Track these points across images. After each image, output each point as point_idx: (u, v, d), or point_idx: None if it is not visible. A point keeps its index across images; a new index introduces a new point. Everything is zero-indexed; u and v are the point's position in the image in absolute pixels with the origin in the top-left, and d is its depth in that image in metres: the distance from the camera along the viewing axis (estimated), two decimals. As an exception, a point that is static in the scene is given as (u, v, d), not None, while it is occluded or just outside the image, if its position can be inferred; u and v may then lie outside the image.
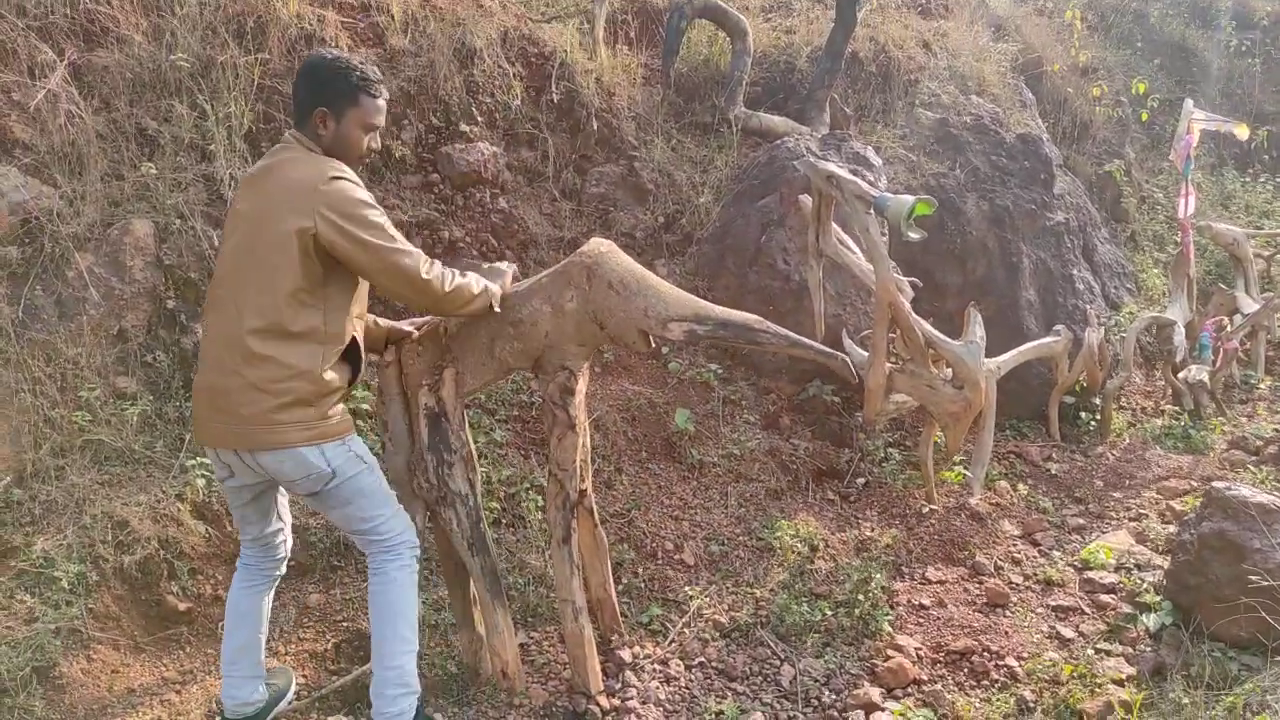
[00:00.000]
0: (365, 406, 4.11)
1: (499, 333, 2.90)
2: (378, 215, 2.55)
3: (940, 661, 3.52)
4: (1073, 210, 6.94)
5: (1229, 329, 6.43)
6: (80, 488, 3.43)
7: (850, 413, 5.14)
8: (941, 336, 4.26)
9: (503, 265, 3.02)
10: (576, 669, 3.13)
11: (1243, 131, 6.96)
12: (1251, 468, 5.03)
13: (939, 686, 3.36)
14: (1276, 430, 5.53)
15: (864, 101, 7.07)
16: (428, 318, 3.02)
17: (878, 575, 3.87)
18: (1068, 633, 3.70)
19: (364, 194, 2.56)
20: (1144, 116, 8.97)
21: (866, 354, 4.38)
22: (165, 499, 3.48)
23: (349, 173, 2.59)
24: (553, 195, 5.51)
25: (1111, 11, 10.70)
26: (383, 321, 3.03)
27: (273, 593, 3.00)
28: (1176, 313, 6.34)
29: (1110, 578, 4.05)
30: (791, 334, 2.81)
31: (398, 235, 2.59)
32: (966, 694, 3.34)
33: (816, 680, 3.38)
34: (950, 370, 4.28)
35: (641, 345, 2.82)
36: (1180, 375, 6.14)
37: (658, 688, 3.26)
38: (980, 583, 4.06)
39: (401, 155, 4.85)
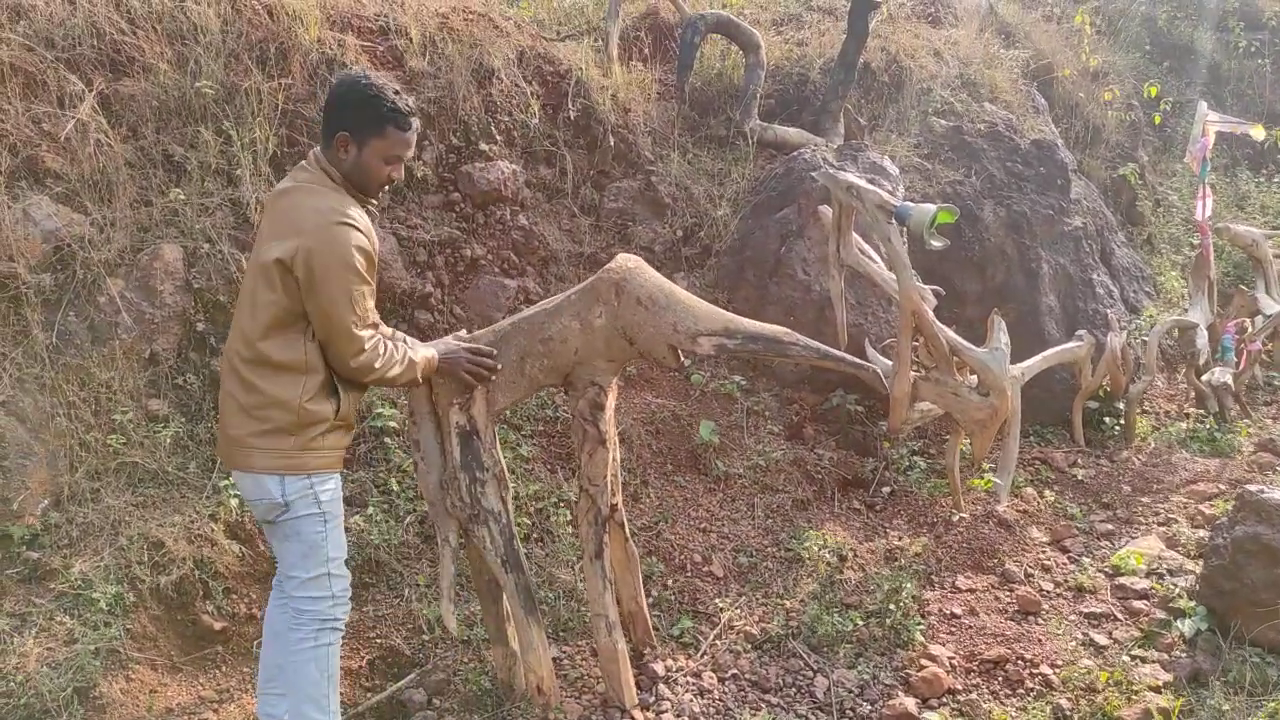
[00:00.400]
0: (392, 424, 4.14)
1: (529, 350, 2.93)
2: (356, 282, 2.47)
3: (974, 671, 3.51)
4: (1089, 215, 6.94)
5: (1251, 330, 6.39)
6: (116, 510, 3.46)
7: (874, 422, 5.14)
8: (966, 344, 4.26)
9: (450, 338, 2.99)
10: (611, 683, 3.14)
11: (1259, 132, 6.93)
12: (1280, 470, 5.01)
13: (974, 696, 3.35)
14: (1303, 431, 5.50)
15: (877, 111, 7.10)
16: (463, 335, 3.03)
17: (908, 584, 3.86)
18: (1102, 640, 3.69)
19: (359, 258, 2.47)
20: (1156, 119, 8.96)
21: (890, 363, 4.38)
22: (199, 519, 3.51)
23: (358, 219, 2.52)
24: (572, 211, 5.55)
25: (1120, 16, 10.70)
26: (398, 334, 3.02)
27: None
28: (1198, 315, 6.31)
29: (1142, 583, 4.03)
30: (821, 346, 2.82)
31: (364, 307, 2.52)
32: (1002, 703, 3.33)
33: (851, 691, 3.37)
34: (975, 377, 4.27)
35: (671, 360, 2.84)
36: (1203, 378, 6.10)
37: (691, 700, 3.26)
38: (1011, 590, 4.05)
39: (423, 175, 4.90)
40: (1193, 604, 3.70)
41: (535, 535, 4.03)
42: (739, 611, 3.80)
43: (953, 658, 3.54)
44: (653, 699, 3.23)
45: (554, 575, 3.82)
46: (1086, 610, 3.90)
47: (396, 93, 2.59)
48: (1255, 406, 6.28)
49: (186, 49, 4.35)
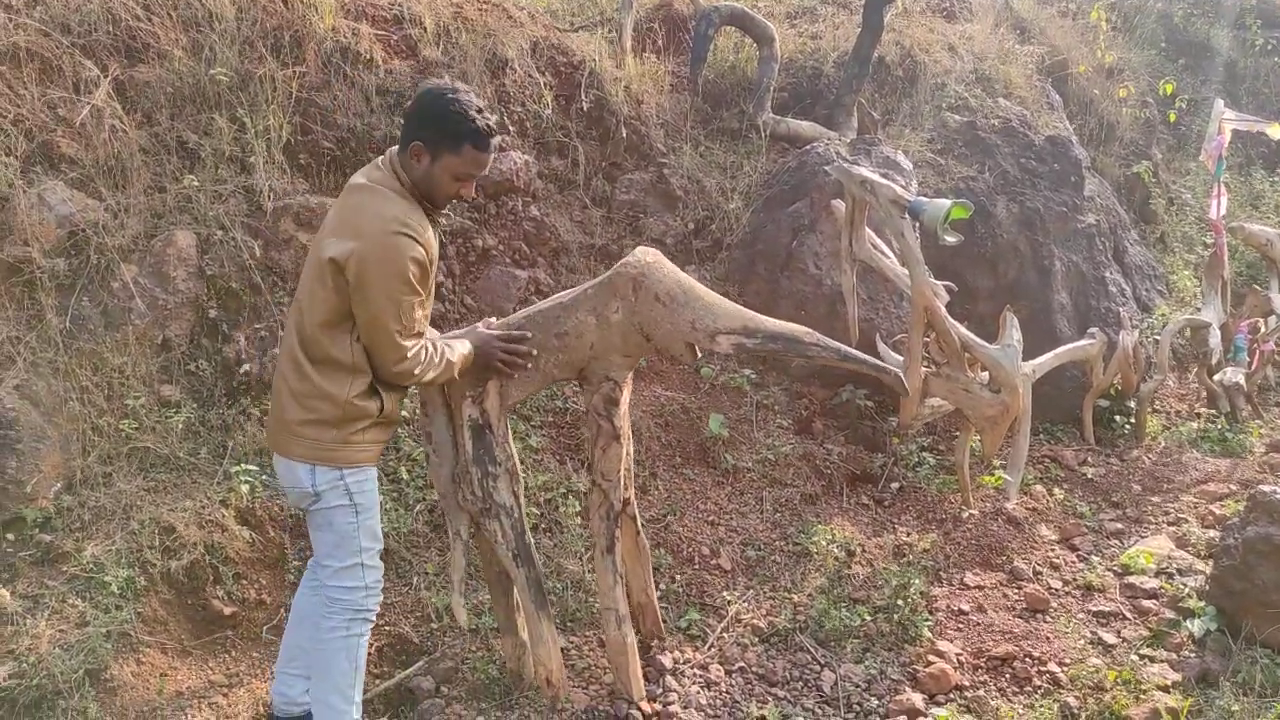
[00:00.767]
0: (403, 413, 4.14)
1: (544, 344, 2.91)
2: (404, 293, 2.46)
3: (982, 667, 3.51)
4: (1103, 212, 6.90)
5: (1264, 330, 6.36)
6: (127, 494, 3.48)
7: (884, 417, 5.13)
8: (978, 340, 4.25)
9: (480, 326, 2.97)
10: (619, 675, 3.14)
11: (1275, 131, 6.88)
12: (1291, 471, 4.99)
13: (981, 692, 3.35)
14: (1316, 433, 5.47)
15: (891, 106, 7.07)
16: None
17: (916, 580, 3.86)
18: (1110, 638, 3.68)
19: (411, 268, 2.45)
20: (1171, 117, 8.90)
21: (901, 358, 4.37)
22: (210, 505, 3.52)
23: (417, 229, 2.48)
24: (583, 203, 5.55)
25: (1135, 12, 10.63)
26: (432, 332, 3.03)
27: None
28: (1211, 315, 6.28)
29: (1151, 583, 4.02)
30: (842, 347, 2.78)
31: (410, 317, 2.51)
32: (1009, 700, 3.33)
33: (858, 686, 3.37)
34: (986, 374, 4.26)
35: (688, 357, 2.81)
36: (1216, 378, 6.07)
37: (698, 692, 3.27)
38: (1019, 588, 4.04)
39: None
40: (1202, 604, 3.69)
41: (544, 526, 4.03)
42: (746, 605, 3.80)
43: (960, 654, 3.54)
44: (660, 691, 3.23)
45: (562, 566, 3.83)
46: (1095, 609, 3.90)
47: (480, 111, 2.52)
48: (1267, 407, 6.25)
49: (201, 35, 4.36)
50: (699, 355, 2.83)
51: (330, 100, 4.59)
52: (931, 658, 3.48)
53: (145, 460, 3.63)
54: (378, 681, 3.27)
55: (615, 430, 2.95)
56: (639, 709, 3.10)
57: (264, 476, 3.62)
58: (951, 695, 3.33)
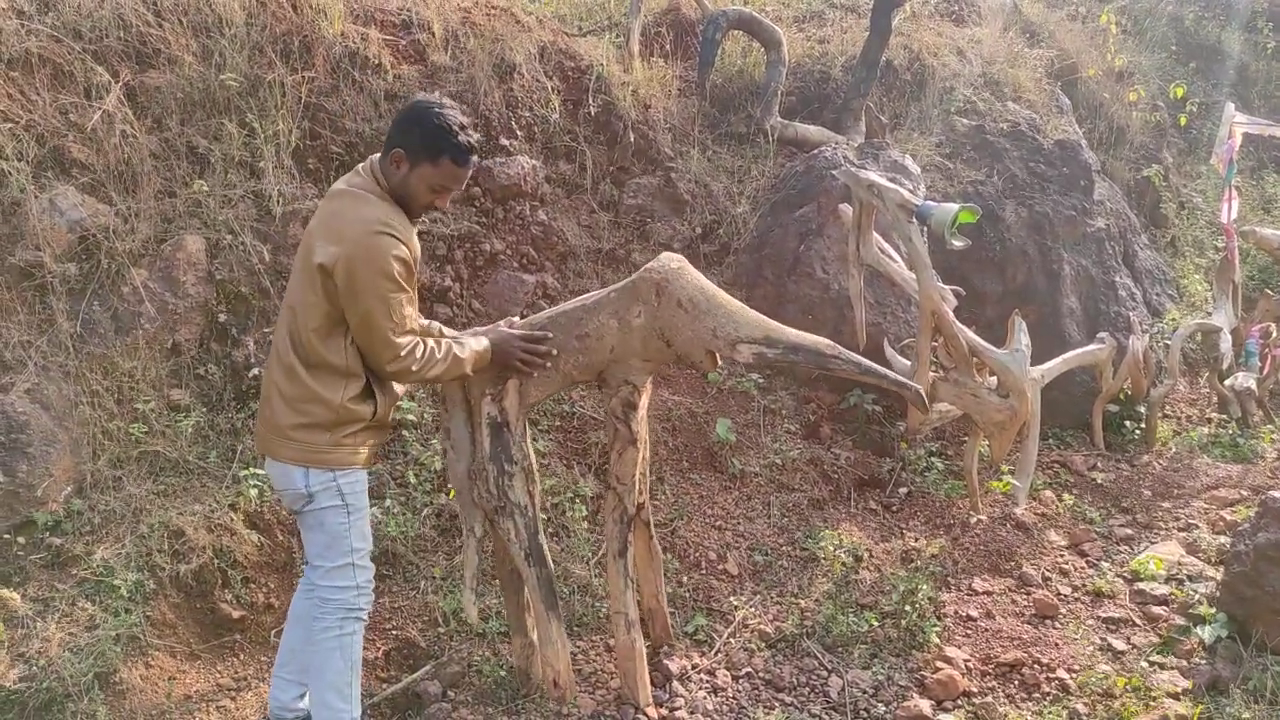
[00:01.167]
0: (410, 417, 4.16)
1: (564, 345, 2.92)
2: (391, 290, 2.50)
3: (990, 674, 3.49)
4: (1112, 216, 6.88)
5: (1276, 335, 6.32)
6: (137, 498, 3.50)
7: (892, 422, 5.12)
8: (986, 345, 4.24)
9: (502, 325, 2.99)
10: (626, 681, 3.14)
11: (1287, 135, 6.85)
12: (1303, 476, 4.95)
13: (990, 699, 3.33)
14: (1328, 438, 5.44)
15: (899, 110, 7.06)
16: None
17: (924, 586, 3.85)
18: (1119, 645, 3.66)
19: (396, 266, 2.49)
20: (1182, 121, 8.86)
21: (909, 363, 4.36)
22: (219, 509, 3.53)
23: (398, 229, 2.53)
24: (591, 207, 5.55)
25: (1146, 15, 10.59)
26: (449, 331, 3.04)
27: None
28: (1222, 319, 6.24)
29: (1161, 589, 4.00)
30: (864, 360, 2.76)
31: (400, 315, 2.54)
32: (1018, 706, 3.31)
33: (865, 692, 3.36)
34: (995, 379, 4.25)
35: (708, 365, 2.81)
36: (1227, 382, 6.04)
37: (705, 698, 3.26)
38: (1028, 594, 4.03)
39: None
40: (1213, 610, 3.66)
41: (551, 530, 4.03)
42: (754, 610, 3.80)
43: (968, 660, 3.53)
44: (667, 696, 3.23)
45: (569, 570, 3.83)
46: (1105, 615, 3.87)
47: (462, 127, 2.57)
48: (1279, 412, 6.20)
49: (211, 41, 4.38)
50: (719, 363, 2.81)
51: (339, 105, 4.62)
52: (939, 664, 3.47)
53: (155, 464, 3.65)
54: (384, 685, 3.27)
55: (632, 435, 2.95)
56: (645, 714, 3.10)
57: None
58: (959, 702, 3.32)
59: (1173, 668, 3.46)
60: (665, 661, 3.37)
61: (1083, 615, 3.89)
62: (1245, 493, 4.89)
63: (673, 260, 2.83)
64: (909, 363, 4.39)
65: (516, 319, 3.04)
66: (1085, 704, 3.27)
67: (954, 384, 4.25)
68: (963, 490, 4.73)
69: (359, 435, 2.67)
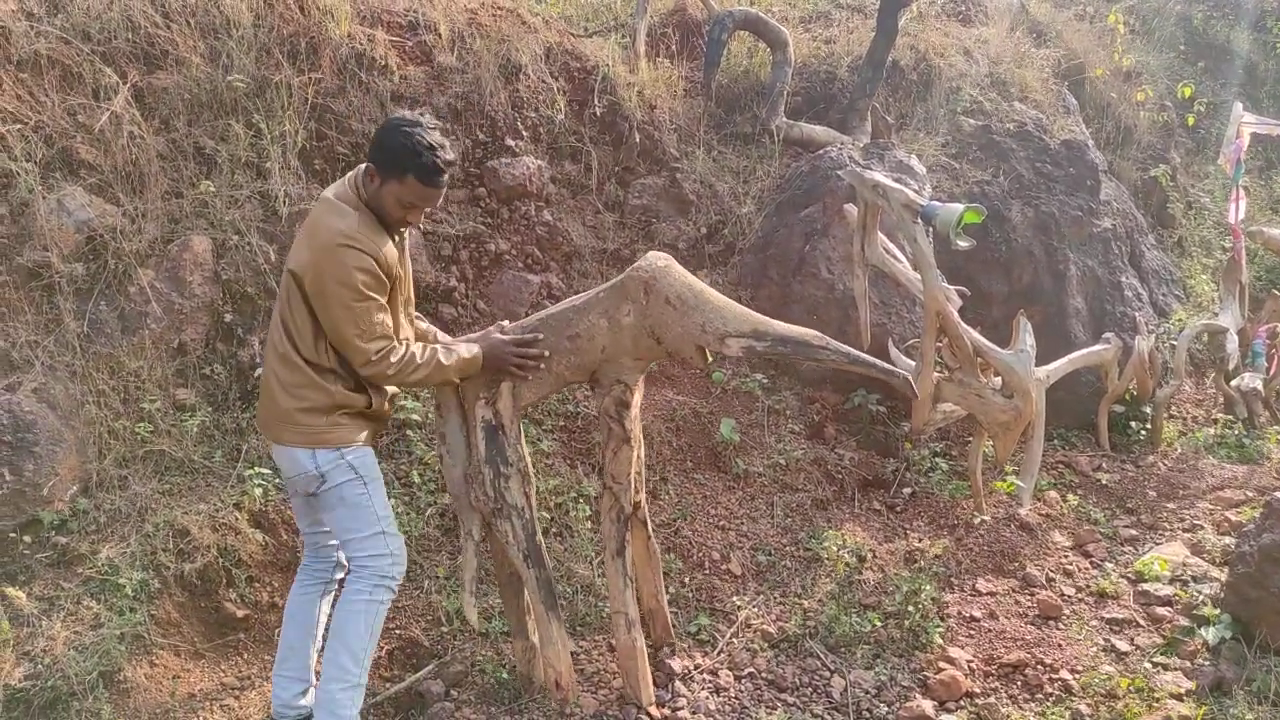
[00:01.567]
0: (415, 417, 4.17)
1: (556, 347, 2.94)
2: (355, 300, 2.57)
3: (993, 674, 3.49)
4: (1119, 216, 6.85)
5: (1283, 336, 6.30)
6: (142, 497, 3.52)
7: (896, 422, 5.11)
8: (991, 345, 4.23)
9: (494, 331, 3.02)
10: (628, 680, 3.15)
11: (1294, 135, 6.82)
12: (1310, 478, 4.93)
13: (992, 699, 3.33)
14: (1335, 440, 5.41)
15: (905, 110, 7.04)
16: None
17: (927, 586, 3.84)
18: (1123, 646, 3.65)
19: (359, 277, 2.56)
20: (1190, 120, 8.82)
21: (914, 363, 4.36)
22: (224, 508, 3.56)
23: (365, 241, 2.59)
24: (596, 207, 5.56)
25: (1154, 15, 10.55)
26: (444, 337, 3.09)
27: (329, 600, 3.05)
28: (1228, 319, 6.22)
29: (1166, 590, 3.99)
30: (852, 350, 2.78)
31: (367, 322, 2.60)
32: (1020, 707, 3.31)
33: (867, 692, 3.36)
34: (999, 379, 4.24)
35: (699, 360, 2.83)
36: (1233, 383, 6.02)
37: (707, 698, 3.27)
38: (1032, 594, 4.02)
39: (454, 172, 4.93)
40: (1217, 611, 3.65)
41: (554, 530, 4.04)
42: (756, 610, 3.80)
43: (971, 661, 3.53)
44: (669, 696, 3.24)
45: (572, 570, 3.84)
46: (1108, 616, 3.87)
47: (431, 147, 2.60)
48: (1286, 413, 6.17)
49: (219, 43, 4.41)
50: (709, 358, 2.84)
51: (345, 106, 4.64)
52: (942, 664, 3.47)
53: (160, 463, 3.67)
54: (388, 685, 3.29)
55: (626, 433, 2.96)
56: (648, 714, 3.11)
57: (277, 480, 3.65)
58: (962, 702, 3.32)
59: (1176, 669, 3.45)
60: (668, 661, 3.38)
61: (1086, 616, 3.89)
62: (1250, 494, 4.88)
63: (659, 258, 2.86)
64: (914, 363, 4.39)
65: (506, 324, 3.08)
66: (1088, 705, 3.26)
67: (959, 384, 4.25)
68: (967, 491, 4.72)
69: (355, 419, 2.77)
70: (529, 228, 5.11)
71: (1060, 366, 4.79)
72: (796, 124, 6.48)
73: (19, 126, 3.75)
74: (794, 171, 5.97)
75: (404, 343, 2.75)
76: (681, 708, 3.18)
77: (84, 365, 3.64)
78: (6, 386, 3.46)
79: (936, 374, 4.26)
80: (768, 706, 3.26)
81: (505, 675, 3.27)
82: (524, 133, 5.27)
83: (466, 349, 2.87)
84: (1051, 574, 4.21)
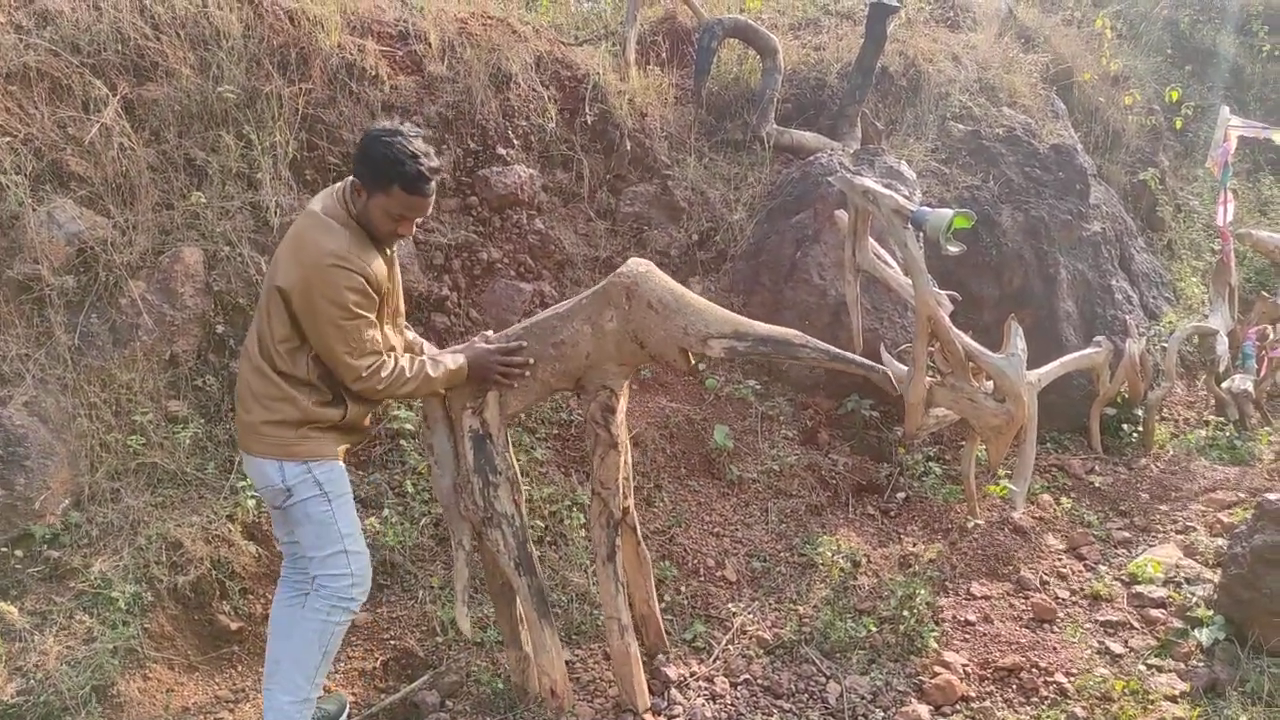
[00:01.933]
0: (408, 427, 4.17)
1: (541, 354, 2.95)
2: (345, 319, 2.57)
3: (988, 678, 3.49)
4: (1108, 220, 6.89)
5: (1273, 337, 6.33)
6: (135, 510, 3.51)
7: (889, 427, 5.13)
8: (982, 349, 4.24)
9: (478, 341, 3.03)
10: (623, 686, 3.14)
11: (1281, 137, 6.87)
12: (1301, 479, 4.95)
13: (988, 703, 3.34)
14: (1325, 440, 5.44)
15: (895, 116, 7.08)
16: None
17: (922, 591, 3.85)
18: (1117, 648, 3.66)
19: (350, 297, 2.56)
20: (1178, 124, 8.88)
21: (906, 368, 4.37)
22: (217, 520, 3.55)
23: (354, 260, 2.57)
24: (588, 215, 5.57)
25: (1141, 19, 10.62)
26: (430, 348, 3.08)
27: None
28: (1218, 322, 6.25)
29: (1159, 592, 4.00)
30: (831, 348, 2.83)
31: (358, 339, 2.60)
32: (1016, 711, 3.31)
33: (863, 697, 3.36)
34: (991, 383, 4.25)
35: (682, 363, 2.85)
36: (1224, 385, 6.05)
37: (704, 705, 3.27)
38: (1026, 598, 4.03)
39: (441, 179, 4.93)
40: (1210, 613, 3.66)
41: (548, 538, 4.04)
42: (751, 616, 3.80)
43: (966, 665, 3.53)
44: (665, 703, 3.23)
45: (567, 578, 3.83)
46: (1102, 618, 3.88)
47: (414, 155, 2.58)
48: (1276, 414, 6.21)
49: (209, 54, 4.41)
50: (692, 361, 2.87)
51: (336, 116, 4.64)
52: (937, 669, 3.47)
53: (153, 476, 3.66)
54: (383, 696, 3.28)
55: (613, 439, 2.97)
56: (643, 721, 3.11)
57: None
58: (958, 706, 3.32)
59: (1170, 670, 3.46)
60: (664, 669, 3.37)
61: (1080, 619, 3.89)
62: (1242, 495, 4.90)
63: (640, 264, 2.89)
64: (906, 368, 4.40)
65: (490, 333, 3.09)
66: (1083, 708, 3.27)
67: (951, 389, 4.25)
68: (960, 495, 4.73)
69: (328, 432, 2.75)
70: (521, 236, 5.11)
71: (1052, 370, 4.80)
72: (787, 130, 6.51)
73: (8, 139, 3.75)
74: (785, 178, 5.99)
75: (393, 357, 2.75)
76: (678, 715, 3.18)
77: (75, 378, 3.63)
78: (-3, 400, 3.45)
79: (929, 379, 4.27)
80: (764, 713, 3.26)
81: (500, 685, 3.27)
82: (515, 141, 5.28)
83: (452, 359, 2.88)
84: (1045, 577, 4.22)
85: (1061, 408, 5.68)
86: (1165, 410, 6.16)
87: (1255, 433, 5.81)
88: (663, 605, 3.65)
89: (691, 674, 3.42)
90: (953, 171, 6.35)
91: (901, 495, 4.87)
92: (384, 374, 2.69)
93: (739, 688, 3.39)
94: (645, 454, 4.46)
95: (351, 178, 2.68)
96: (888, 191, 4.17)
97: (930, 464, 5.03)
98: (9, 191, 3.66)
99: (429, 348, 3.10)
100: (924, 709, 3.26)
